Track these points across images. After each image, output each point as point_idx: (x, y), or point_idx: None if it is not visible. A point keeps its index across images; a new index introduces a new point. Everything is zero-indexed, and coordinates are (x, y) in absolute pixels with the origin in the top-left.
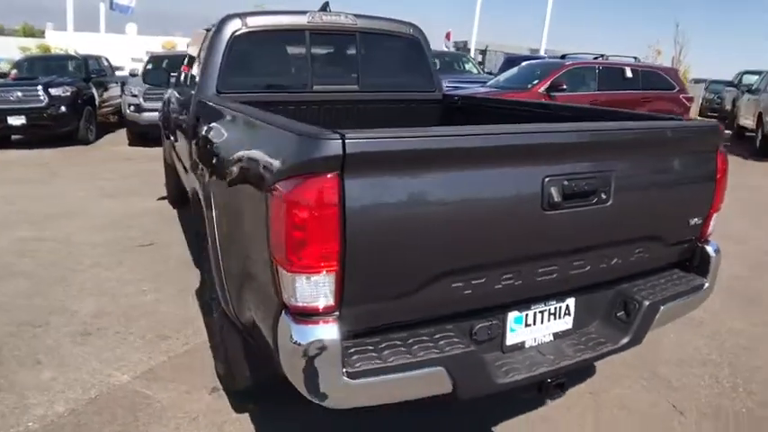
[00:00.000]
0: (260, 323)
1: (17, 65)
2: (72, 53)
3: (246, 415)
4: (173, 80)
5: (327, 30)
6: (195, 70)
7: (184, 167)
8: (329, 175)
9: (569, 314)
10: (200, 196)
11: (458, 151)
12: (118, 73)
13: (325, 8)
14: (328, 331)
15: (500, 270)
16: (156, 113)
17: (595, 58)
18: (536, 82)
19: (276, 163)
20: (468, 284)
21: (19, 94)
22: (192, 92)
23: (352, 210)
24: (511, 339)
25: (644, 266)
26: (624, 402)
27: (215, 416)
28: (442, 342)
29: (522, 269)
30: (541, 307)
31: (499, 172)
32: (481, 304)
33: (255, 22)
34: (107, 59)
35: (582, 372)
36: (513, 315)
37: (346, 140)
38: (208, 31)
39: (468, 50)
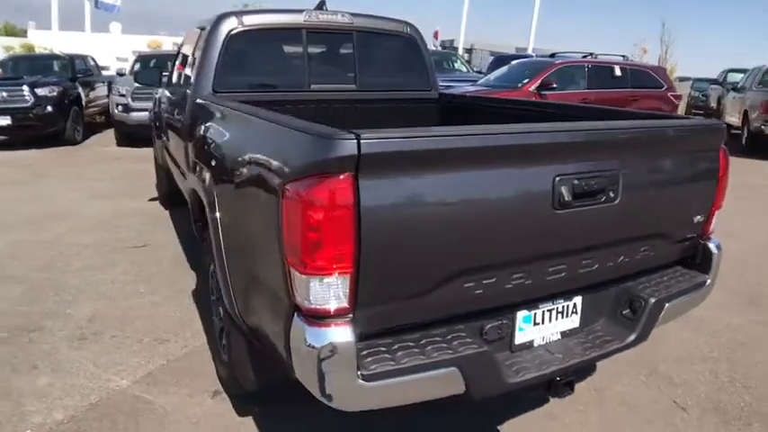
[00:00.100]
0: (268, 326)
1: (1, 64)
2: (57, 52)
3: (250, 418)
4: (164, 80)
5: (324, 29)
6: (190, 69)
7: (179, 168)
8: (344, 176)
9: (576, 313)
10: (203, 198)
11: (473, 151)
12: (103, 72)
13: (321, 7)
14: (343, 334)
15: (511, 269)
16: (145, 113)
17: (584, 57)
18: (526, 81)
19: (288, 163)
20: (480, 284)
21: (4, 94)
22: (187, 91)
23: (366, 210)
24: (520, 338)
25: (648, 264)
26: (626, 399)
27: (218, 420)
28: (455, 342)
29: (532, 268)
30: (549, 306)
31: (512, 171)
32: (492, 304)
33: (252, 20)
34: (93, 59)
35: (583, 369)
36: (522, 314)
37: (361, 140)
38: (202, 29)
39: (456, 49)
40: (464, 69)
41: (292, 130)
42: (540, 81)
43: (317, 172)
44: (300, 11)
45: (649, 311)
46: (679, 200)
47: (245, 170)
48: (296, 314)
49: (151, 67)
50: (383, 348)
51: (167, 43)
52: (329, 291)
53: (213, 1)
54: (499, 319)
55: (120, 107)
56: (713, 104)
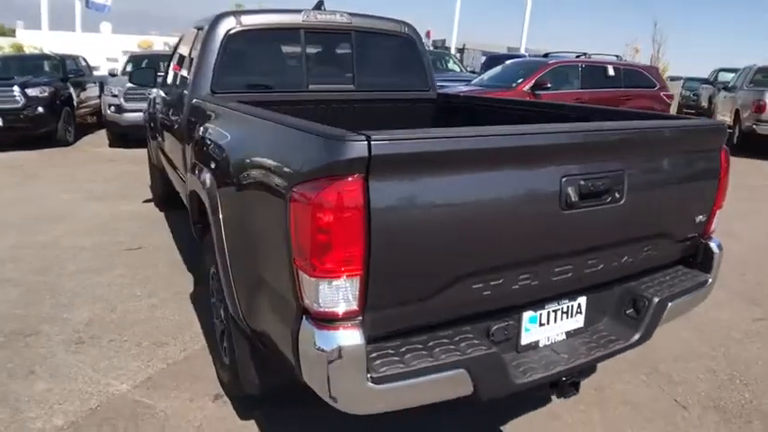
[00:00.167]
0: (275, 329)
1: None
2: (48, 52)
3: (252, 421)
4: (158, 80)
5: (322, 28)
6: (187, 70)
7: (176, 169)
8: (354, 178)
9: (581, 313)
10: (205, 200)
11: (483, 152)
12: (94, 73)
13: (319, 6)
14: (352, 336)
15: (518, 270)
16: (138, 114)
17: (578, 57)
18: (520, 80)
19: (296, 165)
20: (488, 285)
21: None
22: (185, 92)
23: (376, 212)
24: (525, 339)
25: (651, 264)
26: (627, 398)
27: (220, 424)
28: (462, 344)
29: (538, 269)
30: (555, 306)
31: (521, 172)
32: (498, 305)
33: (250, 20)
34: (85, 59)
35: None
36: (527, 315)
37: (372, 142)
38: (199, 29)
39: (447, 49)
40: (457, 69)
41: (300, 131)
42: (534, 81)
43: (327, 174)
44: (299, 11)
45: (653, 311)
46: (682, 200)
47: (249, 172)
48: (304, 317)
49: (146, 68)
50: (391, 351)
51: (158, 43)
52: (339, 293)
53: (204, 2)
54: (505, 320)
55: (112, 108)
56: (704, 104)
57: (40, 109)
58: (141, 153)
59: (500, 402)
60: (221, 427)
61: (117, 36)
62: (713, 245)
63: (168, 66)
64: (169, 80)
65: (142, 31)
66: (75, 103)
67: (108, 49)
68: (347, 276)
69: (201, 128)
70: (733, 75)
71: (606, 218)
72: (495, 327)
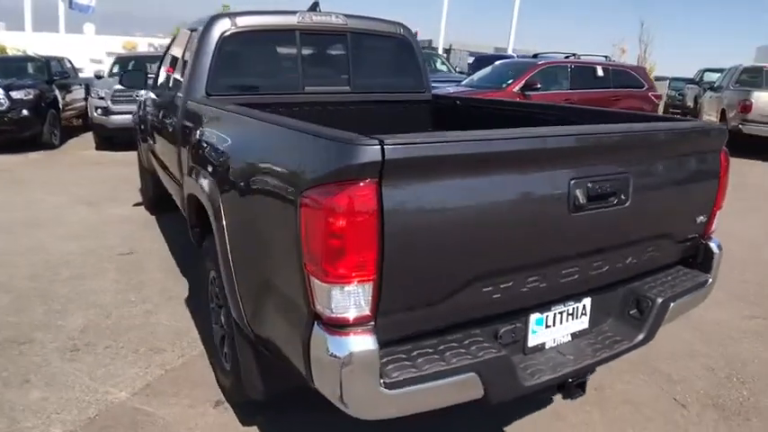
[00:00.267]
0: (283, 335)
1: None
2: (32, 54)
3: (255, 428)
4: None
5: (318, 30)
6: (180, 72)
7: (170, 172)
8: (367, 182)
9: (585, 314)
10: (207, 204)
11: (496, 155)
12: (79, 74)
13: (314, 8)
14: (365, 342)
15: (527, 273)
16: (125, 117)
17: (567, 57)
18: (510, 81)
19: (307, 169)
20: (497, 288)
21: None
22: (179, 94)
23: (390, 216)
24: (532, 341)
25: (654, 264)
26: (628, 397)
27: (222, 430)
28: (473, 347)
29: (546, 271)
30: (560, 308)
31: (532, 175)
32: (507, 308)
33: (245, 22)
34: (70, 61)
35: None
36: (534, 317)
37: (385, 146)
38: (193, 31)
39: (435, 49)
40: (446, 70)
41: (309, 135)
42: (524, 81)
43: (339, 179)
44: (294, 12)
45: (656, 311)
46: (684, 201)
47: (255, 176)
48: (315, 323)
49: (136, 70)
50: (403, 355)
51: (143, 44)
52: (351, 299)
53: (189, 3)
54: (513, 323)
55: (99, 110)
56: (690, 104)
57: (25, 112)
58: (129, 156)
59: (505, 403)
60: None
61: (100, 37)
62: (713, 245)
63: (159, 67)
64: (160, 82)
65: (126, 32)
66: (60, 106)
67: (92, 50)
68: (360, 282)
69: (199, 131)
70: (718, 75)
71: (612, 220)
72: (503, 329)
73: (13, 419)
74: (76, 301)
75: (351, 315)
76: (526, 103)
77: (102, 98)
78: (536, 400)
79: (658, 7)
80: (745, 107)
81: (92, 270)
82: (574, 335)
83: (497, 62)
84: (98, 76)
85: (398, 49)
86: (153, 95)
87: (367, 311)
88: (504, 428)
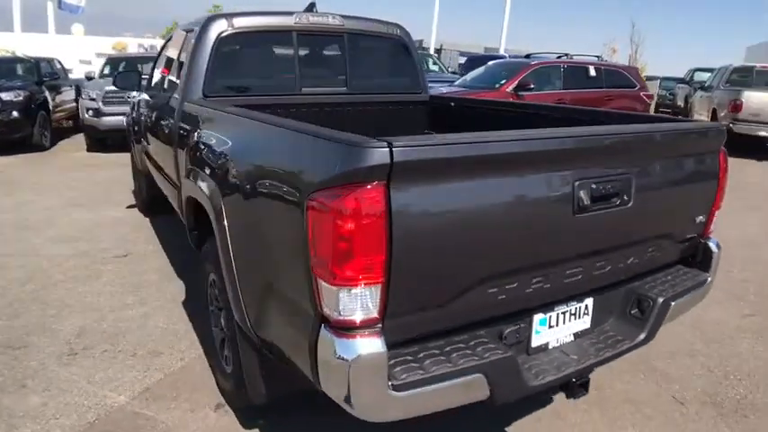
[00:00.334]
0: (288, 338)
1: None
2: (21, 55)
3: (256, 431)
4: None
5: (315, 31)
6: (176, 73)
7: (166, 174)
8: (376, 184)
9: (588, 314)
10: (208, 207)
11: (504, 157)
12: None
13: (311, 9)
14: (374, 344)
15: (532, 274)
16: (117, 118)
17: (559, 58)
18: (503, 81)
19: (314, 172)
20: (503, 289)
21: None
22: (175, 96)
23: (398, 219)
24: (536, 341)
25: (654, 264)
26: (628, 396)
27: None
28: (479, 349)
29: (551, 272)
30: (563, 308)
31: (538, 176)
32: (512, 308)
33: (242, 22)
34: (60, 62)
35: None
36: (538, 317)
37: (394, 148)
38: (188, 32)
39: (426, 49)
40: (438, 70)
41: (316, 137)
42: (517, 82)
43: (348, 181)
44: (291, 13)
45: (658, 310)
46: (684, 201)
47: (259, 178)
48: (323, 326)
49: (130, 71)
50: (410, 357)
51: (132, 45)
52: (359, 301)
53: (179, 4)
54: (517, 323)
55: (90, 111)
56: (680, 103)
57: (15, 113)
58: (121, 157)
59: (507, 403)
60: None
61: (89, 38)
62: (712, 244)
63: (153, 68)
64: (155, 83)
65: (115, 32)
66: (50, 107)
67: (80, 51)
68: (368, 284)
69: (198, 132)
70: (709, 74)
71: (615, 220)
72: (508, 330)
73: (11, 425)
74: (72, 304)
75: (359, 317)
76: (523, 104)
77: (93, 99)
78: (537, 399)
79: (648, 7)
80: (736, 107)
81: (86, 273)
82: (576, 335)
83: (490, 62)
84: (89, 77)
85: (395, 50)
86: (147, 97)
87: (375, 314)
88: (506, 428)
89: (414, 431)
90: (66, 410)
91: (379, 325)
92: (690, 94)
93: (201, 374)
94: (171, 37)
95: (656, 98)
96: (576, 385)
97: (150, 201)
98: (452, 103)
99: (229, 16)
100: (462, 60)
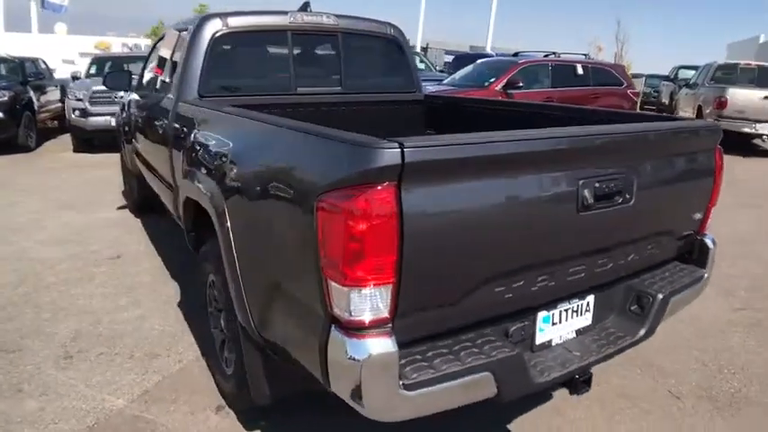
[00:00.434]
0: (295, 339)
1: None
2: (5, 55)
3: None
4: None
5: (309, 30)
6: (169, 73)
7: (159, 175)
8: (387, 185)
9: (589, 311)
10: (209, 208)
11: (513, 156)
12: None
13: (305, 8)
14: (385, 344)
15: (537, 272)
16: (104, 118)
17: (546, 56)
18: (493, 80)
19: (323, 173)
20: (509, 288)
21: None
22: (169, 96)
23: (409, 219)
24: (540, 339)
25: (653, 261)
26: (625, 391)
27: None
28: (486, 347)
29: (555, 270)
30: (566, 305)
31: (545, 176)
32: (517, 306)
33: (236, 22)
34: (44, 62)
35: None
36: (541, 315)
37: (405, 149)
38: (181, 31)
39: (412, 48)
40: (424, 68)
41: (326, 138)
42: (506, 80)
43: (359, 182)
44: (285, 12)
45: (657, 307)
46: (682, 198)
47: (263, 179)
48: (333, 326)
49: (120, 71)
50: (419, 356)
51: (116, 44)
52: (370, 302)
53: (162, 4)
54: (522, 321)
55: (77, 112)
56: (665, 100)
57: (0, 114)
58: (109, 158)
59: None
60: None
61: (72, 37)
62: (708, 241)
63: (144, 68)
64: (146, 83)
65: (98, 32)
66: (35, 108)
67: (64, 50)
68: (379, 284)
69: (197, 133)
70: (693, 72)
71: (617, 218)
72: (513, 328)
73: (8, 431)
74: (65, 307)
75: (370, 317)
76: (519, 103)
77: (80, 99)
78: (536, 396)
79: (631, 5)
80: (721, 103)
81: (79, 275)
82: (578, 331)
83: (479, 61)
84: (75, 77)
85: (389, 50)
86: (137, 97)
87: (385, 314)
88: (507, 426)
89: (415, 429)
90: (65, 415)
91: (390, 325)
92: (675, 91)
93: (200, 376)
94: (163, 36)
95: (641, 96)
96: (579, 381)
97: (141, 202)
98: (448, 103)
99: (224, 16)
100: (448, 59)
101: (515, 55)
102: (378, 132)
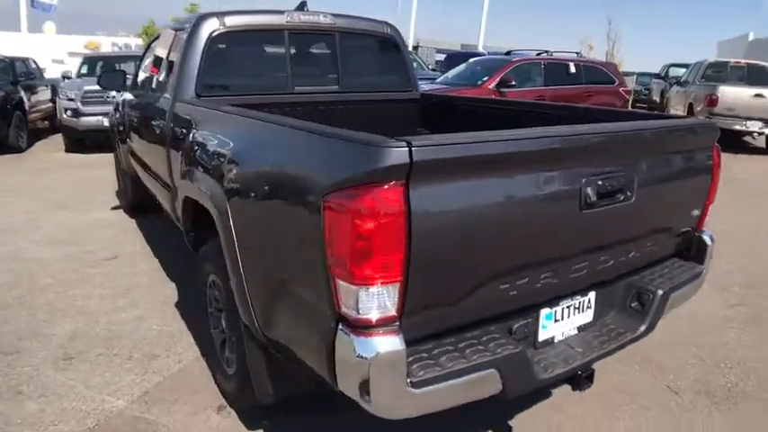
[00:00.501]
0: (301, 338)
1: None
2: None
3: (261, 431)
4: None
5: (306, 30)
6: (165, 73)
7: (155, 175)
8: (395, 184)
9: (590, 307)
10: (210, 208)
11: (520, 155)
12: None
13: (302, 7)
14: (392, 342)
15: (541, 269)
16: (96, 118)
17: (539, 55)
18: (485, 78)
19: (331, 172)
20: (513, 285)
21: None
22: (166, 96)
23: (417, 217)
24: (542, 335)
25: (653, 257)
26: (624, 387)
27: None
28: (491, 344)
29: (558, 267)
30: (568, 302)
31: (550, 174)
32: (521, 304)
33: (233, 21)
34: (35, 61)
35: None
36: (544, 312)
37: (413, 148)
38: (177, 30)
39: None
40: (417, 67)
41: (332, 137)
42: (499, 78)
43: (367, 181)
44: (282, 12)
45: (657, 303)
46: (681, 195)
47: (267, 179)
48: (340, 325)
49: (115, 70)
50: (425, 354)
51: (106, 44)
52: (378, 300)
53: (152, 3)
54: (525, 318)
55: (68, 112)
56: (656, 98)
57: None
58: (101, 158)
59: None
60: None
61: (61, 37)
62: (706, 237)
63: (138, 67)
64: (141, 83)
65: (88, 31)
66: (26, 108)
67: (53, 50)
68: (387, 283)
69: (196, 132)
70: (684, 70)
71: (619, 216)
72: (517, 325)
73: None
74: (62, 308)
75: (377, 316)
76: (514, 102)
77: (71, 99)
78: (536, 392)
79: (623, 4)
80: (712, 101)
81: (75, 276)
82: (580, 328)
83: (471, 59)
84: (66, 77)
85: (386, 48)
86: (131, 96)
87: (393, 312)
88: (508, 422)
89: (418, 426)
90: (65, 416)
91: (397, 323)
92: (666, 89)
93: (200, 376)
94: (158, 36)
95: (632, 94)
96: (582, 377)
97: (136, 202)
98: (444, 101)
99: (221, 15)
100: (439, 57)
101: (508, 54)
102: (376, 131)
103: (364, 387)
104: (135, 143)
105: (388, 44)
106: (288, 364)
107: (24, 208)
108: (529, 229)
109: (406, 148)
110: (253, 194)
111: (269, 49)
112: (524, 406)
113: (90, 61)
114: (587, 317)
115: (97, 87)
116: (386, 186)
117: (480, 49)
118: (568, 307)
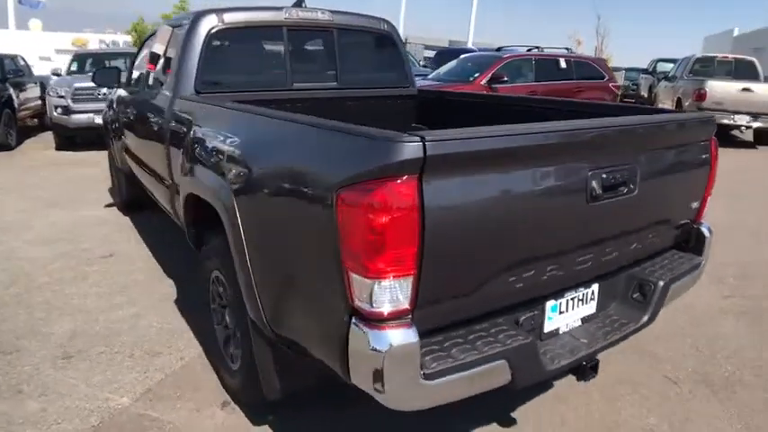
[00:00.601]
0: (312, 333)
1: None
2: None
3: (266, 427)
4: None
5: (305, 26)
6: (163, 69)
7: (152, 172)
8: (408, 178)
9: (594, 299)
10: (216, 204)
11: (531, 149)
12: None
13: (300, 4)
14: (406, 335)
15: (548, 262)
16: (87, 115)
17: (529, 50)
18: (477, 75)
19: (343, 167)
20: (521, 278)
21: None
22: (165, 92)
23: (430, 212)
24: (548, 327)
25: (654, 249)
26: (623, 377)
27: None
28: (500, 336)
29: (564, 260)
30: (573, 294)
31: (558, 168)
32: (528, 296)
33: (232, 18)
34: (24, 58)
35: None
36: (550, 304)
37: (427, 142)
38: (175, 27)
39: None
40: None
41: (344, 133)
42: (490, 74)
43: (380, 176)
44: (280, 8)
45: (659, 294)
46: (681, 188)
47: (278, 175)
48: (354, 318)
49: (109, 67)
50: (436, 346)
51: (93, 41)
52: (391, 293)
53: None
54: (532, 310)
55: (59, 109)
56: (644, 93)
57: None
58: (92, 155)
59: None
60: None
61: (48, 33)
62: (704, 229)
63: (132, 64)
64: (137, 80)
65: (75, 28)
66: (15, 105)
67: (40, 47)
68: (401, 276)
69: (198, 129)
70: (671, 65)
71: (623, 208)
72: (523, 317)
73: None
74: (60, 307)
75: (390, 309)
76: (508, 97)
77: (62, 97)
78: (538, 384)
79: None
80: (700, 96)
81: (71, 275)
82: (584, 319)
83: (462, 56)
84: (56, 74)
85: (383, 45)
86: (126, 93)
87: (406, 305)
88: (510, 414)
89: (424, 418)
90: (68, 415)
91: (410, 316)
92: (654, 84)
93: (203, 373)
94: (154, 32)
95: (621, 89)
96: (587, 368)
97: (131, 199)
98: (441, 97)
99: (219, 12)
100: (428, 54)
101: (498, 50)
102: (375, 127)
103: (378, 380)
104: (130, 140)
105: (385, 40)
106: (296, 359)
107: (17, 206)
108: (537, 221)
109: (420, 143)
110: (261, 190)
111: (267, 46)
112: (527, 398)
113: (80, 58)
114: (591, 308)
115: (88, 84)
116: (399, 181)
117: (470, 46)
118: (573, 299)
